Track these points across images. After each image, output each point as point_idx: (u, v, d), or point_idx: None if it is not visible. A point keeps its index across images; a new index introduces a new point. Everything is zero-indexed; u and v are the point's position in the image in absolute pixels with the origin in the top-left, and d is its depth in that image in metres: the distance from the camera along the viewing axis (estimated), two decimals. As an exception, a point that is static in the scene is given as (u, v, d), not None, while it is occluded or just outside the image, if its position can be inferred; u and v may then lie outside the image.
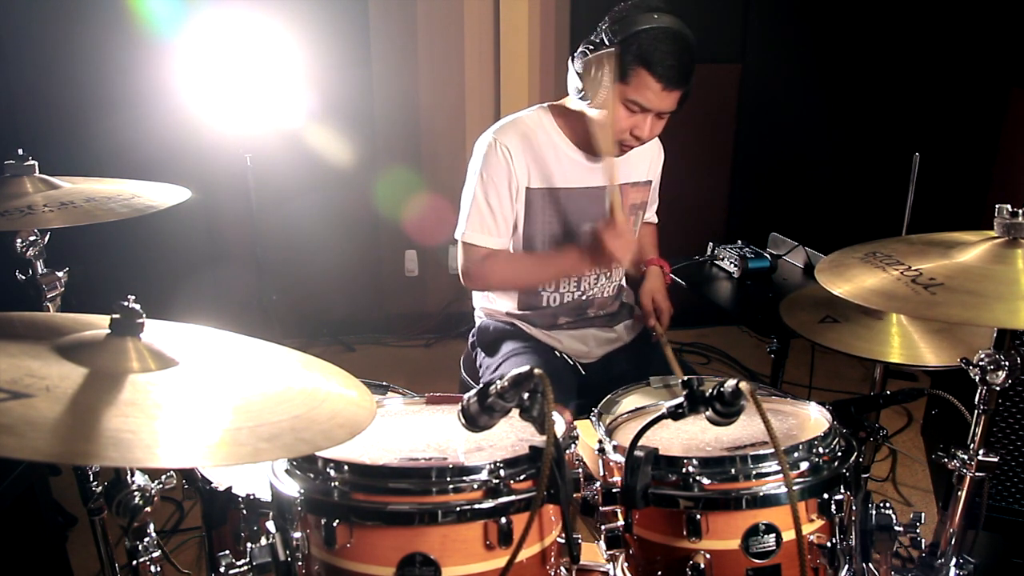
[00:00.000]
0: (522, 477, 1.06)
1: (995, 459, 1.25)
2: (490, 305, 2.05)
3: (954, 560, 1.31)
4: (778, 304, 1.77)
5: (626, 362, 2.00)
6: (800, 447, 1.16)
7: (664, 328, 2.02)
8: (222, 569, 1.11)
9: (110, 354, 0.91)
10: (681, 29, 1.69)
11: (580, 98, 1.77)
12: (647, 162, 2.01)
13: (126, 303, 0.94)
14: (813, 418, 1.33)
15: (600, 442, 1.26)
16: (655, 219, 2.21)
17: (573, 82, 1.77)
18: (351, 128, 3.76)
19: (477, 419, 1.03)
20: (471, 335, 2.09)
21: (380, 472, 1.07)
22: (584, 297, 1.99)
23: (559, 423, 1.18)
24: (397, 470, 1.08)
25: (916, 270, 1.16)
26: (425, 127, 3.95)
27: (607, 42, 1.68)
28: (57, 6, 3.37)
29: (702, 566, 1.11)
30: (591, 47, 1.71)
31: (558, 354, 1.97)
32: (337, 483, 1.06)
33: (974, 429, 1.26)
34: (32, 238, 1.37)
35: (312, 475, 1.08)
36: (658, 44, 1.65)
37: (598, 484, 1.19)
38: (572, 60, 1.76)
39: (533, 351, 1.93)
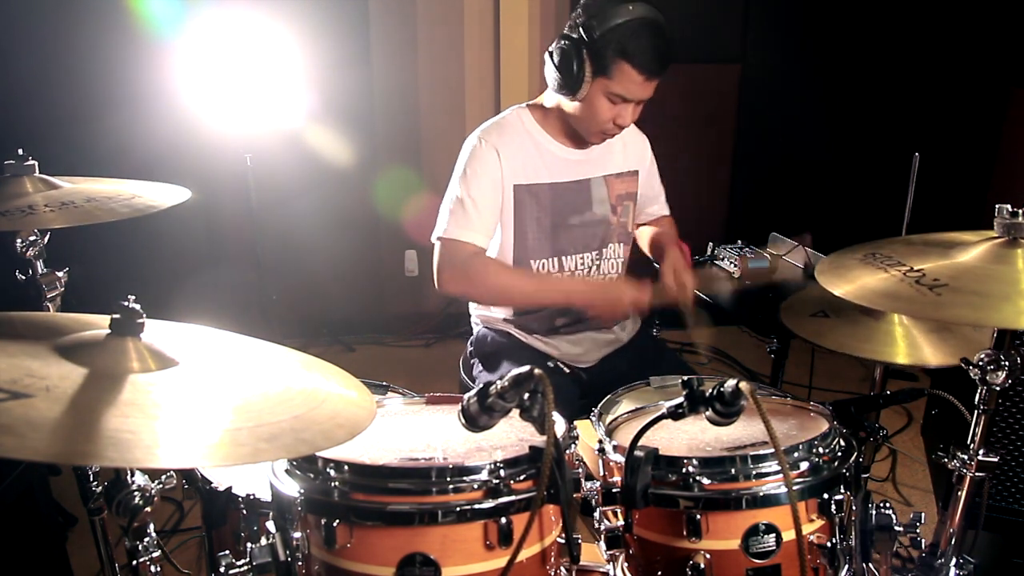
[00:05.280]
0: (522, 477, 1.06)
1: (995, 459, 1.25)
2: (487, 312, 2.04)
3: (954, 560, 1.31)
4: (778, 304, 1.78)
5: (626, 363, 2.00)
6: (800, 447, 1.16)
7: (691, 307, 1.89)
8: (222, 569, 1.11)
9: (110, 354, 0.91)
10: (656, 18, 1.70)
11: (560, 92, 1.78)
12: (630, 151, 2.01)
13: (126, 303, 0.94)
14: (813, 418, 1.33)
15: (600, 442, 1.26)
16: (667, 210, 2.18)
17: (552, 76, 1.78)
18: (351, 128, 3.76)
19: (477, 419, 1.03)
20: (468, 343, 2.08)
21: (380, 472, 1.07)
22: None
23: (559, 423, 1.18)
24: (397, 470, 1.08)
25: (918, 271, 1.16)
26: (425, 127, 3.95)
27: (585, 37, 1.69)
28: (57, 6, 3.36)
29: (702, 566, 1.11)
30: (568, 42, 1.71)
31: (552, 364, 1.95)
32: (337, 483, 1.06)
33: (974, 429, 1.25)
34: (32, 238, 1.37)
35: (312, 475, 1.08)
36: (637, 37, 1.67)
37: (598, 484, 1.19)
38: (550, 55, 1.77)
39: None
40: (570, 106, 1.81)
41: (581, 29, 1.69)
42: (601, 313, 1.84)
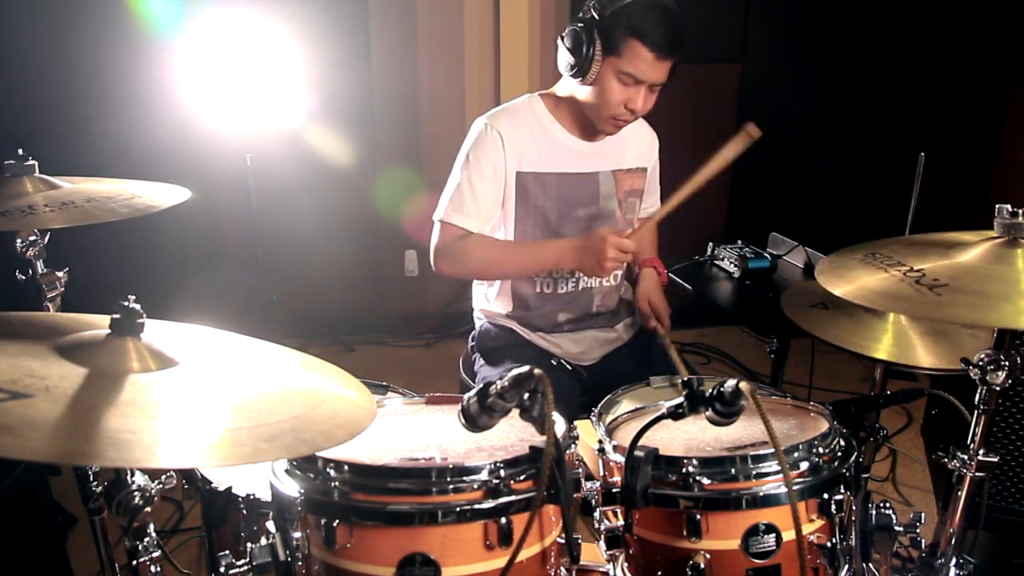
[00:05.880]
0: (522, 477, 1.06)
1: (995, 459, 1.25)
2: (488, 307, 2.04)
3: (954, 560, 1.31)
4: (778, 304, 1.78)
5: (627, 362, 2.00)
6: (800, 447, 1.16)
7: (666, 328, 2.00)
8: (222, 569, 1.11)
9: (110, 354, 0.91)
10: (667, 0, 1.70)
11: (572, 75, 1.76)
12: (641, 148, 2.01)
13: (126, 303, 0.94)
14: (813, 418, 1.33)
15: (600, 442, 1.26)
16: (654, 207, 2.17)
17: (564, 59, 1.76)
18: (351, 128, 3.76)
19: (477, 419, 1.03)
20: (470, 338, 2.08)
21: (380, 472, 1.07)
22: (580, 288, 1.97)
23: (559, 423, 1.18)
24: (397, 470, 1.08)
25: (918, 271, 1.16)
26: (425, 127, 3.95)
27: (596, 16, 1.69)
28: (56, 6, 3.36)
29: (702, 566, 1.11)
30: (580, 23, 1.72)
31: (555, 362, 1.96)
32: (337, 483, 1.06)
33: (974, 429, 1.25)
34: (32, 238, 1.37)
35: (312, 475, 1.08)
36: (648, 14, 1.67)
37: (598, 484, 1.19)
38: (561, 39, 1.76)
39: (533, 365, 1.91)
40: (582, 92, 1.79)
41: (592, 10, 1.70)
42: (589, 268, 1.80)
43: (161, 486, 1.26)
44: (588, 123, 1.86)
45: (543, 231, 1.89)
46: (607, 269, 1.74)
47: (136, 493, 1.24)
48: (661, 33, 1.67)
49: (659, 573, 1.17)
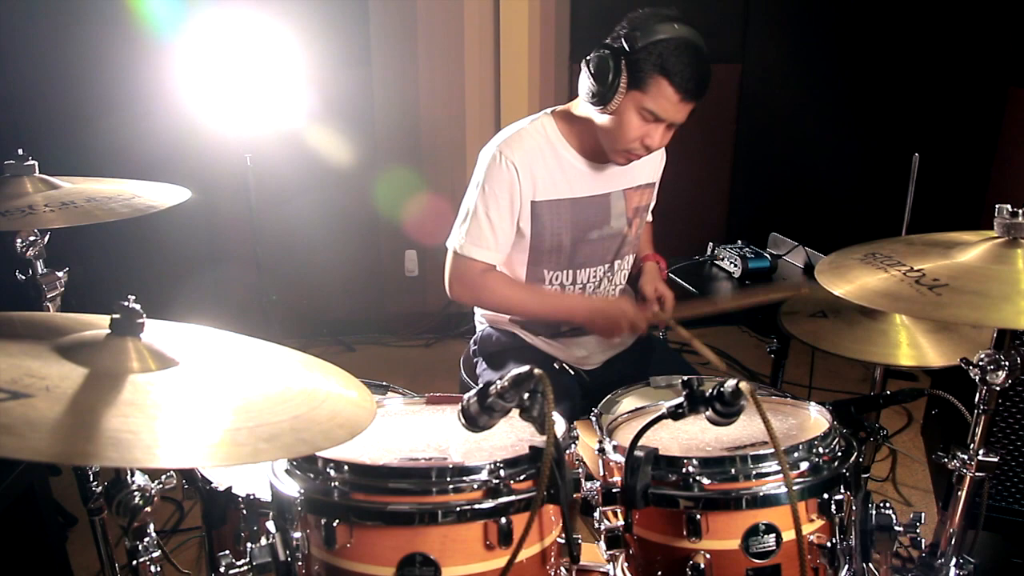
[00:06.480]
0: (522, 477, 1.06)
1: (995, 459, 1.25)
2: (492, 312, 2.03)
3: (954, 560, 1.31)
4: (778, 304, 1.78)
5: (628, 365, 2.00)
6: (800, 447, 1.16)
7: (668, 313, 1.97)
8: (222, 569, 1.11)
9: (110, 354, 0.91)
10: (700, 42, 1.67)
11: (591, 102, 1.72)
12: (652, 164, 1.99)
13: (126, 303, 0.94)
14: (813, 418, 1.33)
15: (600, 442, 1.26)
16: (650, 218, 2.18)
17: (585, 84, 1.72)
18: (351, 128, 3.76)
19: (477, 419, 1.03)
20: (472, 342, 2.07)
21: (380, 472, 1.07)
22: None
23: (559, 423, 1.18)
24: (397, 470, 1.08)
25: (918, 271, 1.16)
26: (425, 127, 3.95)
27: (626, 47, 1.65)
28: (57, 6, 3.37)
29: (702, 566, 1.11)
30: (608, 51, 1.67)
31: (557, 366, 1.95)
32: (337, 483, 1.06)
33: (974, 429, 1.26)
34: (32, 238, 1.37)
35: (312, 475, 1.08)
36: (680, 54, 1.63)
37: (598, 484, 1.19)
38: (586, 63, 1.71)
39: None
40: (600, 119, 1.75)
41: (623, 39, 1.66)
42: (600, 331, 1.85)
43: (161, 486, 1.26)
44: (601, 147, 1.82)
45: (557, 255, 1.88)
46: (617, 339, 1.82)
47: (136, 493, 1.24)
48: (690, 75, 1.64)
49: (659, 573, 1.17)
